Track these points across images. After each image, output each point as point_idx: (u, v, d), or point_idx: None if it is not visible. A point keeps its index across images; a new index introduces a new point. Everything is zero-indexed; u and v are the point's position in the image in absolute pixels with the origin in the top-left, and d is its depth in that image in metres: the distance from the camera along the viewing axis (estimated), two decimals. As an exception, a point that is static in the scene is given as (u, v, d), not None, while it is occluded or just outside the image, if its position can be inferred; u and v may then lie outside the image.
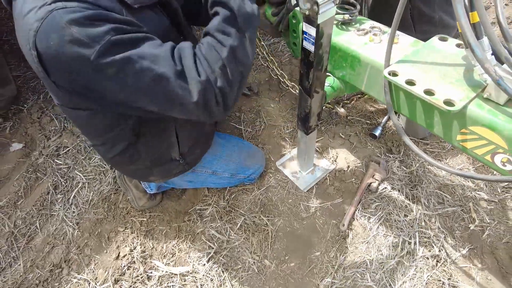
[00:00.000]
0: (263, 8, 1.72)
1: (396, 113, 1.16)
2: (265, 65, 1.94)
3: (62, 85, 0.96)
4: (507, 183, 1.83)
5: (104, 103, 1.04)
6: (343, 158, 1.98)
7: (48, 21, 0.82)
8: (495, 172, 1.93)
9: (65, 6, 0.83)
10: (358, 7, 1.30)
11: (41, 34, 0.84)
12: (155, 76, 0.89)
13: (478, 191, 1.82)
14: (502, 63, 0.91)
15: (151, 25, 1.02)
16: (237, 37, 0.97)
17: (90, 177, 2.01)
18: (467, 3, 0.86)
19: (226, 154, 1.70)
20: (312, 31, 1.10)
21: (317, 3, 1.01)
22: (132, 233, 1.77)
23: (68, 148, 2.16)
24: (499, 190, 1.83)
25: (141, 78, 0.89)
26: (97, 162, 2.07)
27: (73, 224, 1.82)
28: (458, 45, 1.10)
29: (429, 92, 0.97)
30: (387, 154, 1.99)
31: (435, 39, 1.14)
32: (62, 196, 1.95)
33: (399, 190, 1.83)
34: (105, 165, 2.04)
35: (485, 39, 0.91)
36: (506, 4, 2.91)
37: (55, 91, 1.02)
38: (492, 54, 0.92)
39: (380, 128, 2.04)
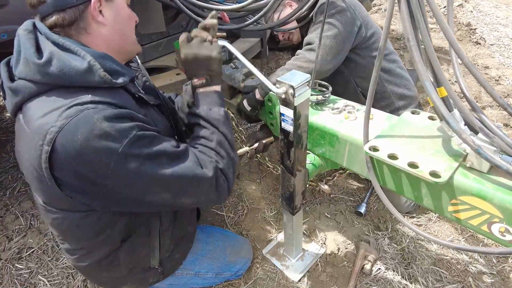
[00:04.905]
0: (237, 98, 1.80)
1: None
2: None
3: (68, 181, 0.95)
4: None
5: (110, 200, 1.01)
6: (332, 240, 1.89)
7: (80, 118, 0.88)
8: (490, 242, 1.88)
9: (96, 106, 0.91)
10: (330, 88, 1.37)
11: (68, 129, 0.88)
12: (174, 168, 0.98)
13: (474, 263, 1.75)
14: (476, 133, 0.94)
15: (158, 123, 1.12)
16: (216, 134, 1.12)
17: (56, 281, 1.79)
18: (432, 80, 0.92)
19: (209, 251, 1.57)
20: (289, 113, 1.13)
21: (292, 87, 1.04)
22: None
23: (33, 249, 1.95)
24: (494, 260, 1.76)
25: (161, 171, 0.96)
26: (64, 263, 1.86)
27: None
28: (430, 118, 1.14)
29: (413, 165, 0.96)
30: (375, 232, 1.92)
31: (407, 113, 1.19)
32: (20, 307, 1.69)
33: (393, 270, 1.73)
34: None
35: (456, 111, 0.95)
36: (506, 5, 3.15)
37: (51, 189, 0.97)
38: (465, 125, 0.96)
39: (364, 204, 2.01)
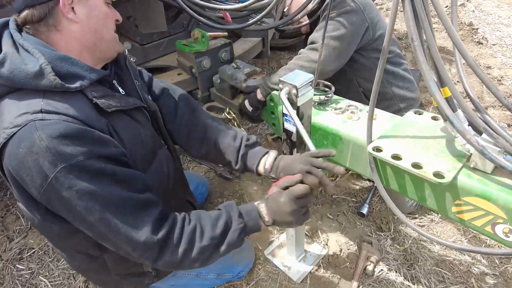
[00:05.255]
0: (239, 98, 1.80)
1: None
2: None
3: (15, 186, 0.96)
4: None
5: (46, 212, 1.00)
6: (334, 241, 1.88)
7: (25, 130, 0.85)
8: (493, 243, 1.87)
9: (44, 118, 0.86)
10: (333, 88, 1.36)
11: (14, 139, 0.86)
12: (101, 218, 0.92)
13: (477, 264, 1.74)
14: (480, 133, 0.93)
15: (127, 130, 1.06)
16: (222, 247, 1.06)
17: (57, 282, 1.78)
18: (436, 80, 0.91)
19: None
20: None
21: (296, 87, 1.04)
22: None
23: (34, 250, 1.95)
24: (497, 261, 1.75)
25: (88, 215, 0.91)
26: (65, 264, 1.86)
27: None
28: (433, 118, 1.14)
29: (417, 166, 0.96)
30: (377, 233, 1.91)
31: (411, 114, 1.18)
32: (21, 308, 1.69)
33: (396, 271, 1.72)
34: (75, 266, 1.83)
35: (459, 112, 0.94)
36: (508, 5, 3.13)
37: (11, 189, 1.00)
38: (468, 125, 0.95)
39: (366, 205, 2.00)
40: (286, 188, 1.07)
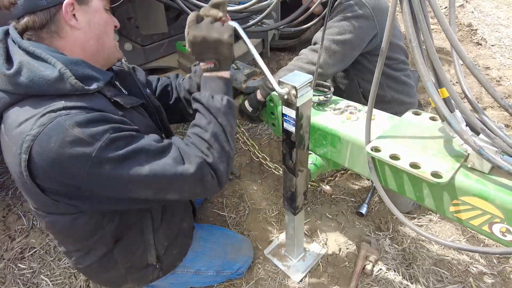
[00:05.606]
0: (239, 99, 1.81)
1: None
2: (246, 149, 1.95)
3: (50, 187, 0.96)
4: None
5: (94, 200, 1.02)
6: (333, 240, 1.90)
7: (52, 126, 0.88)
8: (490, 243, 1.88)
9: (69, 113, 0.90)
10: (332, 88, 1.37)
11: (42, 137, 0.87)
12: (152, 167, 0.96)
13: (475, 263, 1.75)
14: (477, 134, 0.94)
15: (139, 124, 1.09)
16: (213, 124, 1.08)
17: (58, 281, 1.79)
18: (434, 81, 0.92)
19: (209, 249, 1.57)
20: (292, 113, 1.13)
21: (295, 88, 1.05)
22: None
23: (35, 249, 1.96)
24: (495, 261, 1.76)
25: (138, 171, 0.94)
26: (67, 263, 1.87)
27: None
28: (432, 118, 1.15)
29: (415, 166, 0.97)
30: (376, 232, 1.92)
31: (409, 114, 1.19)
32: (22, 307, 1.70)
33: (394, 270, 1.73)
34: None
35: (457, 112, 0.95)
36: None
37: (36, 195, 0.99)
38: (466, 126, 0.96)
39: (365, 205, 2.02)
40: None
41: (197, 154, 1.02)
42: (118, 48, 1.16)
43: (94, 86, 0.98)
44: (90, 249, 1.21)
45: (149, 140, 1.00)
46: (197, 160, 1.01)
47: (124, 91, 1.19)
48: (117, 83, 1.18)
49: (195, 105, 1.13)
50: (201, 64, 1.14)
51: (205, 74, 1.15)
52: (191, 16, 1.09)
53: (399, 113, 1.92)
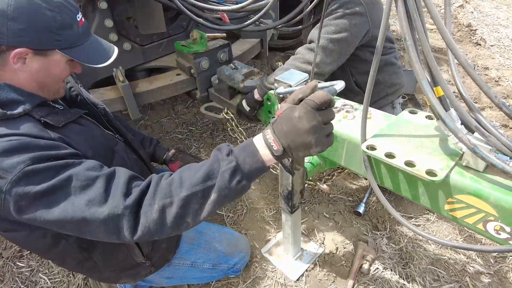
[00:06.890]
0: (237, 98, 1.81)
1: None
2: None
3: None
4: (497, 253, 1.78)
5: (18, 224, 1.00)
6: (331, 240, 1.90)
7: None
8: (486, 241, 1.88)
9: None
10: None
11: None
12: (65, 207, 0.86)
13: (472, 263, 1.75)
14: (472, 132, 0.95)
15: (82, 137, 1.05)
16: (205, 192, 0.88)
17: (57, 279, 1.79)
18: (429, 79, 0.93)
19: (204, 241, 1.58)
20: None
21: (290, 86, 1.05)
22: None
23: (33, 248, 1.96)
24: (492, 260, 1.77)
25: (49, 212, 0.87)
26: (64, 261, 1.88)
27: None
28: (427, 117, 1.15)
29: (410, 164, 0.97)
30: (373, 232, 1.93)
31: (405, 113, 1.20)
32: (20, 305, 1.70)
33: (391, 270, 1.73)
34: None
35: (452, 111, 0.95)
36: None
37: None
38: (461, 124, 0.96)
39: (363, 204, 2.02)
40: (300, 101, 0.85)
41: (123, 201, 0.86)
42: (63, 87, 1.13)
43: (19, 110, 0.94)
44: (62, 258, 1.20)
45: (79, 170, 0.89)
46: (119, 203, 0.86)
47: (58, 106, 1.14)
48: (59, 99, 1.15)
49: (216, 152, 0.91)
50: (270, 140, 0.86)
51: (256, 140, 0.89)
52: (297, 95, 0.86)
53: (389, 94, 1.94)
